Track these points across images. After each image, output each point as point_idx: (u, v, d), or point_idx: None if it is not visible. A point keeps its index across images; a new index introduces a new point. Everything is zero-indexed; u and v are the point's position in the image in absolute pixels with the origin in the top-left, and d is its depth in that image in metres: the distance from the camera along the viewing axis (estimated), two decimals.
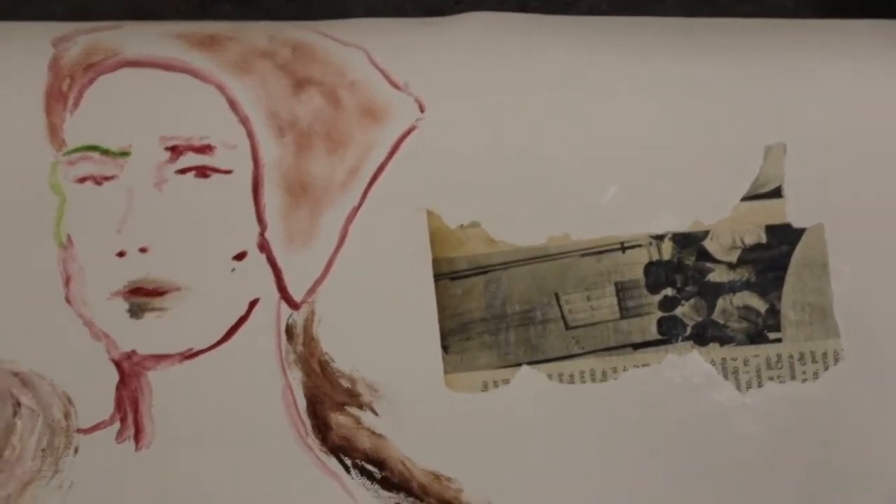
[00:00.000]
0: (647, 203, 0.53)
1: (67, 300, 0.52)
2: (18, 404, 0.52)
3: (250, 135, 0.53)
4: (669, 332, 0.52)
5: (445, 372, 0.52)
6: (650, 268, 0.53)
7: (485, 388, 0.52)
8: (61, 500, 0.51)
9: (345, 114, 0.53)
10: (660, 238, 0.53)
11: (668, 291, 0.53)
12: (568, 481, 0.52)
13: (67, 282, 0.52)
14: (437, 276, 0.53)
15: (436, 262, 0.53)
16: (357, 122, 0.53)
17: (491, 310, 0.53)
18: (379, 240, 0.53)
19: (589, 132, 0.53)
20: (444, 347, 0.52)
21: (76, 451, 0.51)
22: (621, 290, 0.53)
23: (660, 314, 0.53)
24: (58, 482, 0.51)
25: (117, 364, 0.52)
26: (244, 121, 0.53)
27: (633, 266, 0.53)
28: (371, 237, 0.53)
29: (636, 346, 0.52)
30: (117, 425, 0.52)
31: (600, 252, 0.53)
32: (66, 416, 0.52)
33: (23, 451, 0.51)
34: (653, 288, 0.53)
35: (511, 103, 0.53)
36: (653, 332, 0.52)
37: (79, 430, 0.52)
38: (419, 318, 0.52)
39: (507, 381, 0.52)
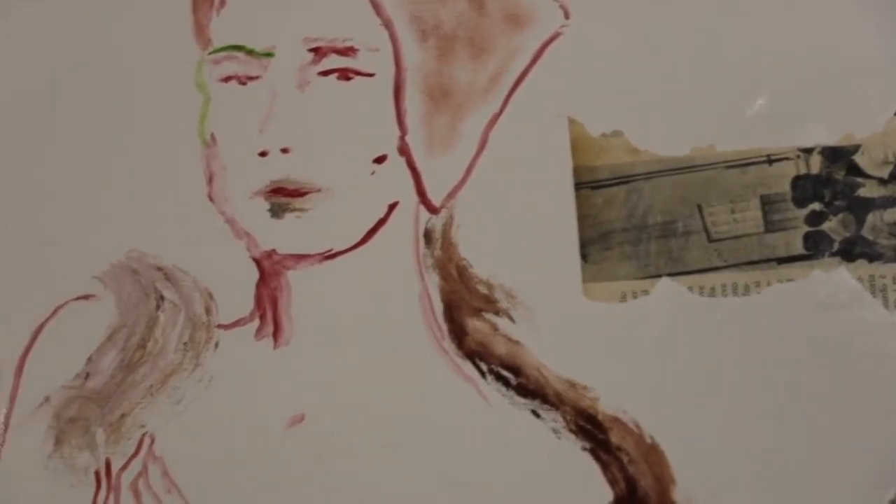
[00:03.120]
0: (795, 115, 0.52)
1: (210, 198, 0.53)
2: (162, 298, 0.52)
3: (393, 38, 0.52)
4: (816, 247, 0.51)
5: (584, 281, 0.52)
6: (797, 181, 0.51)
7: (623, 298, 0.52)
8: (201, 393, 0.52)
9: (489, 19, 0.53)
10: (808, 151, 0.51)
11: (816, 206, 0.51)
12: (704, 394, 0.51)
13: (210, 179, 0.53)
14: (578, 185, 0.52)
15: (577, 170, 0.52)
16: (501, 27, 0.52)
17: (632, 220, 0.52)
18: (519, 147, 0.52)
19: (737, 41, 0.52)
20: (584, 256, 0.52)
21: (216, 345, 0.52)
22: (766, 203, 0.52)
23: (806, 229, 0.51)
24: (198, 375, 0.52)
25: (258, 262, 0.53)
26: (387, 24, 0.52)
27: (780, 179, 0.52)
28: (511, 144, 0.52)
29: (781, 261, 0.51)
30: (257, 322, 0.52)
31: (746, 164, 0.52)
32: (208, 311, 0.52)
33: (165, 343, 0.52)
34: (799, 202, 0.51)
35: (657, 10, 0.52)
36: (798, 247, 0.51)
37: (219, 326, 0.52)
38: (558, 226, 0.52)
39: (646, 292, 0.52)
